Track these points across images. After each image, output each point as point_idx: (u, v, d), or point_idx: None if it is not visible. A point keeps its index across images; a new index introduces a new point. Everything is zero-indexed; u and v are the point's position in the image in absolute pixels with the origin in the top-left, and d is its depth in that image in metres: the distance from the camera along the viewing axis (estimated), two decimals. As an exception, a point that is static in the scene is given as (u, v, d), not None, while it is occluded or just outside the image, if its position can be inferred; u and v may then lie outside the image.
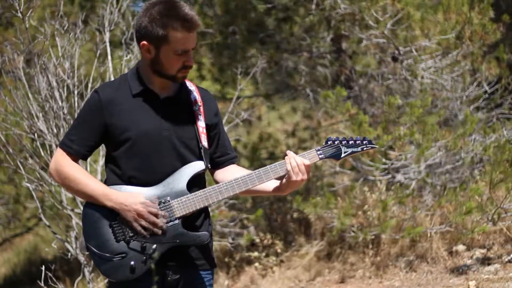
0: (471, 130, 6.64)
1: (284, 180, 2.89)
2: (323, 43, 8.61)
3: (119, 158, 2.87)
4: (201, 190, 2.85)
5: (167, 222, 2.81)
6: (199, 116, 2.93)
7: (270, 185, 2.94)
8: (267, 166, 2.89)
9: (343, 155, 2.93)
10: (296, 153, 2.91)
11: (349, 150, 2.94)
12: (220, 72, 9.45)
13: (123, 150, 2.86)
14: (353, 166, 7.55)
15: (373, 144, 2.98)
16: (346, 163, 8.00)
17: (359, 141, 2.95)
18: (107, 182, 2.91)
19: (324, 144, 2.95)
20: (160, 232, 2.79)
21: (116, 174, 2.89)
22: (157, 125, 2.86)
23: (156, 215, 2.78)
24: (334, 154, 2.93)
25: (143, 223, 2.78)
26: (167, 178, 2.84)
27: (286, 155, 2.88)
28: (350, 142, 2.94)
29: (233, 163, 3.07)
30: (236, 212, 8.24)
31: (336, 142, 2.94)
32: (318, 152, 2.92)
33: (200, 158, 2.90)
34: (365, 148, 2.96)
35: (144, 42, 2.81)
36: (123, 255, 2.80)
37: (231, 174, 2.95)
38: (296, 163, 2.84)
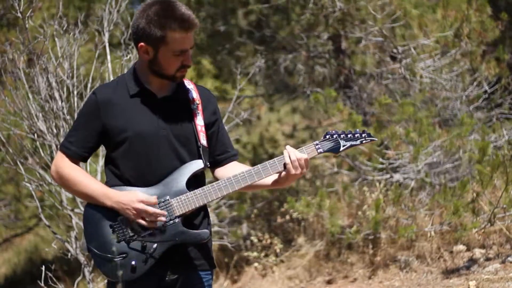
0: (466, 132, 6.63)
1: (283, 174, 2.88)
2: (321, 42, 8.61)
3: (117, 159, 2.88)
4: (200, 188, 2.85)
5: (168, 221, 2.82)
6: (197, 115, 2.93)
7: (269, 179, 2.93)
8: (266, 162, 2.88)
9: (341, 148, 2.92)
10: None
11: (348, 144, 2.92)
12: (219, 72, 9.45)
13: (122, 150, 2.87)
14: (351, 166, 7.53)
15: (372, 137, 2.96)
16: (344, 163, 7.99)
17: (358, 134, 2.93)
18: (107, 183, 2.92)
19: (322, 138, 2.93)
20: (160, 228, 2.79)
21: (116, 175, 2.90)
22: (155, 125, 2.86)
23: (154, 212, 2.79)
24: (332, 148, 2.92)
25: (142, 221, 2.79)
26: (166, 177, 2.85)
27: (285, 149, 2.88)
28: (349, 136, 2.93)
29: (233, 160, 3.06)
30: (229, 209, 8.24)
31: (334, 136, 2.92)
32: (317, 146, 2.91)
33: (199, 157, 2.90)
34: (364, 141, 2.94)
35: (142, 43, 2.81)
36: (124, 255, 2.81)
37: (232, 172, 2.94)
38: (296, 157, 2.84)
